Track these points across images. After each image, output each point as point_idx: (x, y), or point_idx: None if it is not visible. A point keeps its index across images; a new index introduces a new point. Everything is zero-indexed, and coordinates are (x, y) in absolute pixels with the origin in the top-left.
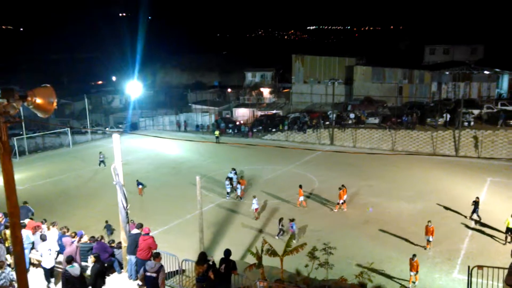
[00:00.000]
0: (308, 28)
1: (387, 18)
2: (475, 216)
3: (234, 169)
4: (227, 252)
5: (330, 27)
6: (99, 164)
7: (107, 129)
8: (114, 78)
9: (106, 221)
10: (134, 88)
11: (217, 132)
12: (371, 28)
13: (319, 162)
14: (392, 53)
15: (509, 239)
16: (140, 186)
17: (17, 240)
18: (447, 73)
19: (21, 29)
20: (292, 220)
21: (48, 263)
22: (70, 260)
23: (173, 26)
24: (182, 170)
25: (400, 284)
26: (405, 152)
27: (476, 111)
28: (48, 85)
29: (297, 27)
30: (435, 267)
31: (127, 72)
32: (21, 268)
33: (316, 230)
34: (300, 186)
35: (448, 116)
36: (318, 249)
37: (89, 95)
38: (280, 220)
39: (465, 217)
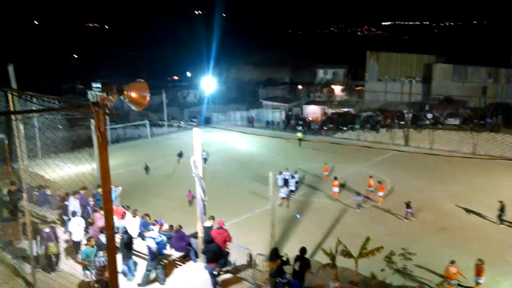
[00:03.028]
0: (382, 23)
1: (470, 13)
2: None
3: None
4: (303, 250)
5: (406, 23)
6: (204, 163)
7: (182, 122)
8: (189, 74)
9: (146, 163)
10: (208, 83)
11: (299, 134)
12: (452, 24)
13: (392, 163)
14: (475, 50)
15: None
16: (180, 157)
17: (109, 225)
18: None
19: (106, 27)
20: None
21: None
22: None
23: (246, 23)
24: (252, 165)
25: None
26: (488, 156)
27: None
28: (142, 80)
29: (371, 22)
30: None
31: (202, 68)
32: (112, 250)
33: (389, 234)
34: (380, 182)
35: None
36: (395, 253)
37: (166, 89)
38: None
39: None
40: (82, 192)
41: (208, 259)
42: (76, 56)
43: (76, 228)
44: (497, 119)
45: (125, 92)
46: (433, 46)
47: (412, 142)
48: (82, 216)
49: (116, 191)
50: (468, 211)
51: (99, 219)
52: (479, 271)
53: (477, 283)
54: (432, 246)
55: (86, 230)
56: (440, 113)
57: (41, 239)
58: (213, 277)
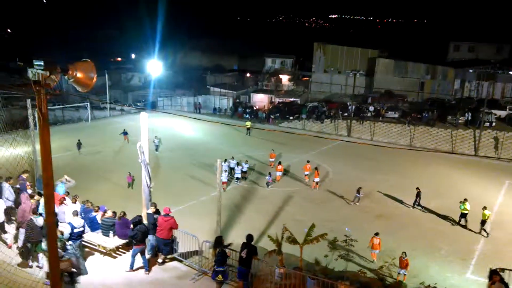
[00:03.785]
0: (330, 16)
1: (411, 11)
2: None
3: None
4: (250, 238)
5: (352, 17)
6: (156, 150)
7: (125, 105)
8: (133, 56)
9: (79, 140)
10: (154, 67)
11: (248, 123)
12: (394, 20)
13: (335, 153)
14: (416, 47)
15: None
16: (125, 135)
17: (50, 211)
18: (471, 71)
19: (45, 1)
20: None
21: None
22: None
23: (195, 8)
24: (198, 152)
25: (417, 280)
26: (423, 148)
27: (498, 112)
28: (89, 59)
29: (318, 14)
30: (448, 266)
31: (147, 50)
32: (52, 238)
33: (330, 221)
34: (316, 168)
35: (470, 115)
36: (338, 240)
37: (109, 71)
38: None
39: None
40: (23, 176)
41: (136, 241)
42: (10, 31)
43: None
44: (432, 113)
45: (70, 72)
46: (376, 41)
47: (354, 133)
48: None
49: (67, 184)
50: (401, 200)
51: (24, 201)
52: (403, 264)
53: (400, 274)
54: (371, 232)
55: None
56: (381, 106)
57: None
58: (133, 258)
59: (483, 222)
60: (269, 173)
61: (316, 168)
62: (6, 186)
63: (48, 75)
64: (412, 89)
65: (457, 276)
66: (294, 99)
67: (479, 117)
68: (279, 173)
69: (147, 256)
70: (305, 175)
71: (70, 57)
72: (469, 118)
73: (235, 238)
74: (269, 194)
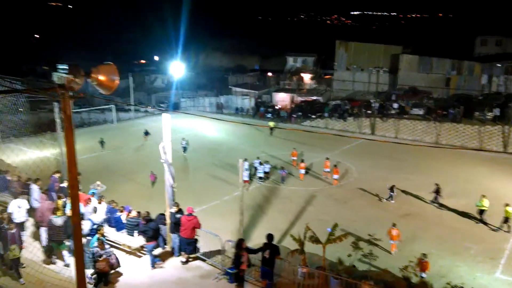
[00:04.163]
0: (351, 13)
1: (436, 5)
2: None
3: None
4: (271, 237)
5: (375, 13)
6: (184, 151)
7: (149, 107)
8: (157, 58)
9: (101, 138)
10: (176, 68)
11: (271, 124)
12: (419, 16)
13: (358, 152)
14: (441, 42)
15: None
16: (146, 135)
17: (76, 211)
18: (498, 65)
19: (69, 6)
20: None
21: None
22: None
23: (216, 9)
24: (221, 152)
25: (445, 280)
26: (449, 146)
27: None
28: (111, 63)
29: (340, 12)
30: (477, 265)
31: (170, 52)
32: (78, 237)
33: (353, 220)
34: (335, 166)
35: (498, 110)
36: (362, 239)
37: (133, 74)
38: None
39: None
40: (55, 176)
41: (147, 238)
42: (38, 36)
43: (16, 209)
44: (459, 110)
45: (93, 75)
46: (400, 37)
47: (378, 131)
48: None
49: (98, 190)
50: (426, 200)
51: (44, 201)
52: (423, 266)
53: (421, 277)
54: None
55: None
56: (406, 103)
57: (3, 241)
58: (152, 255)
59: (507, 219)
60: (282, 167)
61: (335, 166)
62: (35, 187)
63: (72, 78)
64: (437, 85)
65: (486, 276)
66: (317, 98)
67: (508, 113)
68: (302, 171)
69: (175, 255)
70: (325, 171)
71: (95, 61)
72: (498, 114)
73: (258, 238)
74: (291, 193)
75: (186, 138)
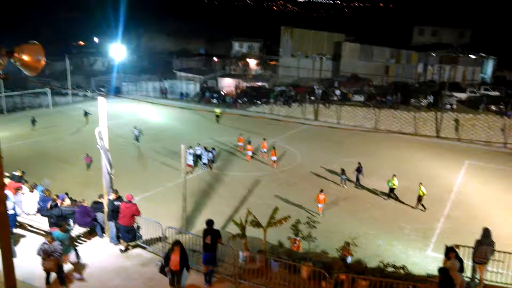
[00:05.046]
0: (297, 0)
1: None
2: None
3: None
4: (210, 222)
5: (320, 1)
6: (136, 140)
7: (88, 91)
8: (96, 40)
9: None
10: (117, 51)
11: (218, 111)
12: (361, 5)
13: (302, 137)
14: (381, 31)
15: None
16: (86, 114)
17: (1, 199)
18: (434, 55)
19: None
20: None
21: None
22: None
23: None
24: (165, 138)
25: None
26: (387, 131)
27: (459, 95)
28: (36, 41)
29: None
30: (410, 243)
31: (110, 34)
32: (5, 228)
33: (296, 204)
34: (273, 148)
35: (432, 98)
36: (301, 222)
37: (71, 56)
38: (343, 170)
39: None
40: None
41: (50, 223)
42: None
43: None
44: (396, 97)
45: (16, 55)
46: (343, 25)
47: (321, 117)
48: None
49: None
50: (369, 181)
51: None
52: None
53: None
54: (335, 214)
55: None
56: (348, 90)
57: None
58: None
59: (420, 198)
60: (213, 148)
61: (273, 147)
62: None
63: None
64: (377, 73)
65: (419, 253)
66: (262, 84)
67: (441, 100)
68: (249, 153)
69: (110, 243)
70: (262, 152)
71: (27, 41)
72: (432, 101)
73: (201, 224)
74: (236, 179)
75: (138, 127)
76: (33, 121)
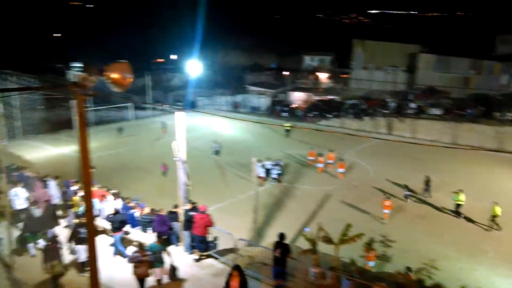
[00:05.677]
0: (369, 12)
1: (455, 4)
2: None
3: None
4: (282, 236)
5: (393, 12)
6: (216, 154)
7: (167, 105)
8: (175, 57)
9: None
10: (194, 67)
11: (287, 125)
12: (437, 14)
13: (374, 152)
14: (459, 41)
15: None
16: (163, 126)
17: (89, 207)
18: None
19: (90, 5)
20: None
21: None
22: None
23: (234, 7)
24: (236, 150)
25: (460, 283)
26: (468, 146)
27: None
28: (125, 60)
29: (358, 10)
30: (495, 269)
31: (188, 51)
32: (91, 231)
33: (369, 221)
34: (341, 160)
35: None
36: (376, 240)
37: (151, 72)
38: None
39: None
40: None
41: (113, 228)
42: (58, 35)
43: (14, 197)
44: (477, 110)
45: (107, 73)
46: (418, 36)
47: (394, 131)
48: (63, 199)
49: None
50: (448, 200)
51: (39, 189)
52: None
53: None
54: (412, 234)
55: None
56: (423, 103)
57: (45, 256)
58: (118, 246)
59: (494, 217)
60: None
61: (341, 159)
62: (53, 183)
63: (85, 76)
64: (456, 85)
65: (505, 280)
66: (333, 97)
67: None
68: (320, 165)
69: (185, 252)
70: (329, 163)
71: (112, 59)
72: None
73: (272, 237)
74: (306, 193)
75: (218, 141)
76: (120, 130)
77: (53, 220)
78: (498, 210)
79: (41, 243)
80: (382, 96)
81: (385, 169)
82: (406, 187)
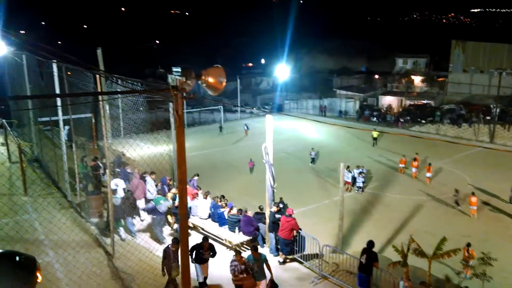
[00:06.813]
0: (471, 11)
1: None
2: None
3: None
4: (370, 244)
5: (498, 10)
6: (312, 162)
7: (254, 108)
8: (263, 61)
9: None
10: (282, 71)
11: (375, 133)
12: None
13: (474, 161)
14: None
15: None
16: (246, 128)
17: (183, 204)
18: None
19: (187, 13)
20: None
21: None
22: None
23: (323, 10)
24: (322, 155)
25: None
26: None
27: None
28: (219, 65)
29: (458, 9)
30: None
31: (276, 55)
32: (184, 228)
33: (465, 235)
34: (429, 164)
35: None
36: (474, 257)
37: (240, 76)
38: (456, 191)
39: None
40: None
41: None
42: (158, 42)
43: (115, 187)
44: None
45: (203, 77)
46: None
47: (498, 140)
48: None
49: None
50: None
51: (136, 178)
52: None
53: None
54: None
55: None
56: None
57: (165, 258)
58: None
59: None
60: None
61: (429, 164)
62: (149, 179)
63: (184, 80)
64: None
65: None
66: (428, 101)
67: None
68: (414, 170)
69: (271, 255)
70: (400, 167)
71: (206, 64)
72: None
73: (357, 245)
74: (395, 201)
75: (315, 148)
76: (221, 128)
77: (132, 210)
78: None
79: (121, 231)
80: (485, 101)
81: (485, 181)
82: (456, 191)
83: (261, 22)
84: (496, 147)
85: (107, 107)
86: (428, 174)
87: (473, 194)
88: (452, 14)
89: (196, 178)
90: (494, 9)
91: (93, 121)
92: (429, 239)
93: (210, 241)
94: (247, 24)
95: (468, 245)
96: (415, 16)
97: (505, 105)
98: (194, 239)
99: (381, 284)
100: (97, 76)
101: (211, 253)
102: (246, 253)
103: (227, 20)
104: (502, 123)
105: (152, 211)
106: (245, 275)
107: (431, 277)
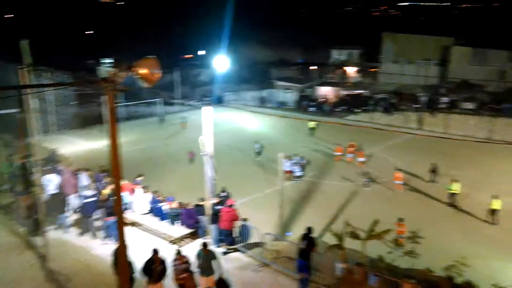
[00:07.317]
0: (399, 4)
1: None
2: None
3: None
4: (309, 230)
5: (425, 3)
6: (258, 154)
7: (193, 101)
8: (203, 52)
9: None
10: (220, 63)
11: (312, 124)
12: (472, 5)
13: (405, 147)
14: (496, 33)
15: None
16: (184, 121)
17: (118, 200)
18: None
19: (120, 3)
20: None
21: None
22: None
23: (260, 1)
24: (263, 145)
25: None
26: (504, 141)
27: None
28: (153, 56)
29: (388, 3)
30: None
31: (215, 47)
32: (121, 224)
33: (396, 217)
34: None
35: None
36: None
37: (179, 68)
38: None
39: None
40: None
41: (106, 213)
42: (90, 32)
43: (47, 183)
44: None
45: (135, 68)
46: (452, 28)
47: (426, 126)
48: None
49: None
50: (483, 198)
51: (67, 173)
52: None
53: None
54: (445, 231)
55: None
56: (457, 97)
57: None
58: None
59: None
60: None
61: (361, 149)
62: (83, 176)
63: (115, 72)
64: (492, 78)
65: None
66: (361, 91)
67: None
68: (361, 159)
69: (214, 246)
70: (336, 155)
71: (142, 56)
72: None
73: (298, 232)
74: (332, 188)
75: (259, 142)
76: (161, 120)
77: (62, 207)
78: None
79: (53, 230)
80: (414, 91)
81: (416, 166)
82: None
83: (198, 13)
84: (424, 133)
85: (35, 101)
86: (361, 159)
87: (399, 170)
88: (383, 7)
89: (139, 178)
90: (420, 3)
91: (19, 116)
92: (364, 223)
93: (149, 234)
94: (184, 15)
95: (400, 220)
96: (348, 8)
97: (431, 93)
98: (134, 235)
99: (320, 267)
100: (21, 69)
101: (163, 268)
102: (186, 246)
103: (163, 10)
104: (429, 110)
105: (83, 207)
106: (185, 275)
107: (365, 258)
